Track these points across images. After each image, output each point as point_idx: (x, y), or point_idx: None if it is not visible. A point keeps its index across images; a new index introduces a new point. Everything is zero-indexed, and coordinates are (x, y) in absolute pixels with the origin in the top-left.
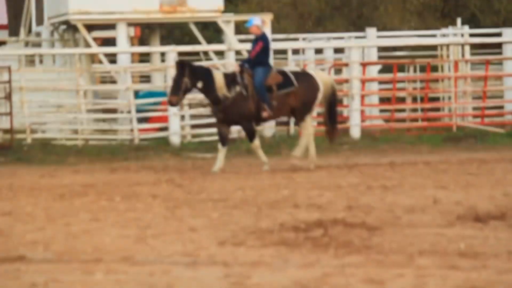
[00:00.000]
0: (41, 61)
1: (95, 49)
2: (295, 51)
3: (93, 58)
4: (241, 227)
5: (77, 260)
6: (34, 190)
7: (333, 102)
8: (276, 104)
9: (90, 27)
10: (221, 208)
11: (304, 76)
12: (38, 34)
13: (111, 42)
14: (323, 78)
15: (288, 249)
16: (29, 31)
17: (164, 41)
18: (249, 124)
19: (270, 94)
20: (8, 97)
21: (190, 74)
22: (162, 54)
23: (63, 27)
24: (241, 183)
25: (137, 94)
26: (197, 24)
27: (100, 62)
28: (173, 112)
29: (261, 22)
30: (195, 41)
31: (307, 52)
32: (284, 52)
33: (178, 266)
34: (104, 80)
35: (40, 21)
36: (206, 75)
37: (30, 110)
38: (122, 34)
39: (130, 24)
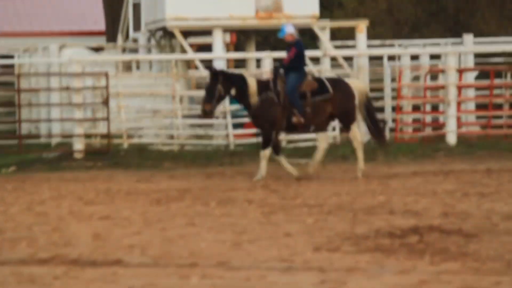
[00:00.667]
0: (138, 67)
1: (191, 55)
2: (391, 58)
3: (189, 64)
4: (336, 233)
5: (173, 265)
6: (131, 195)
7: (370, 109)
8: (311, 111)
9: (187, 33)
10: (316, 213)
11: (339, 84)
12: (135, 40)
13: (207, 48)
14: (357, 86)
15: (383, 255)
16: (127, 37)
17: (260, 47)
18: (269, 130)
19: (304, 101)
20: (106, 102)
21: (223, 82)
22: (258, 60)
23: (160, 33)
24: (336, 188)
25: (232, 100)
26: None
27: (196, 68)
28: None
29: (294, 28)
30: None
31: (402, 59)
32: (379, 58)
33: (273, 272)
34: (200, 86)
35: (137, 27)
36: (239, 81)
37: (127, 115)
38: (218, 40)
39: (226, 30)
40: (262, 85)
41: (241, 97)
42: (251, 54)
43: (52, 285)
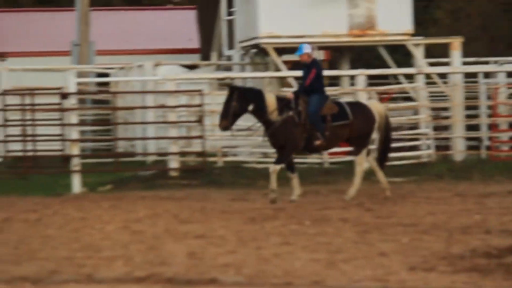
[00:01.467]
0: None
1: (285, 72)
2: (486, 75)
3: (283, 82)
4: (432, 252)
5: (268, 284)
6: (225, 213)
7: (387, 132)
8: (329, 135)
9: (280, 51)
10: (411, 232)
11: (359, 108)
12: (229, 58)
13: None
14: (378, 108)
15: (480, 276)
16: (221, 55)
17: (354, 64)
18: (290, 151)
19: (324, 124)
20: (200, 120)
21: (239, 98)
22: (352, 78)
23: (253, 50)
24: (431, 207)
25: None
26: (386, 47)
27: (290, 85)
28: None
29: (311, 48)
30: (385, 65)
31: (498, 76)
32: (474, 75)
33: None
34: None
35: (231, 45)
36: (257, 97)
37: (221, 133)
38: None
39: (319, 47)
40: (283, 103)
41: (259, 113)
42: (344, 72)
43: None
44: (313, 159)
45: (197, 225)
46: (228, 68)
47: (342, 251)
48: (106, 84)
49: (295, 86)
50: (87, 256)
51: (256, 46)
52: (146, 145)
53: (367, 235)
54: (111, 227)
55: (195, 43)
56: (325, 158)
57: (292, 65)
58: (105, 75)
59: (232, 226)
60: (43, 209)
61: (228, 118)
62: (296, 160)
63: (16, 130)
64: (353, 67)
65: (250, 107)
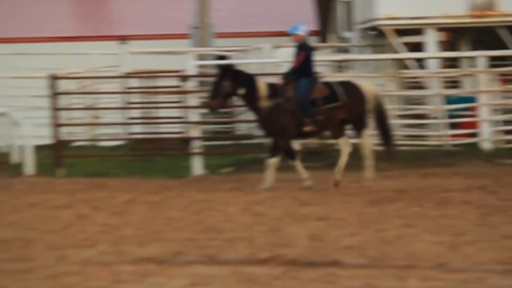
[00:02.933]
0: (350, 67)
1: (404, 54)
2: None
3: (401, 64)
4: None
5: (391, 266)
6: (346, 196)
7: (382, 114)
8: (322, 119)
9: (399, 32)
10: None
11: (350, 88)
12: (346, 40)
13: (419, 47)
14: (369, 88)
15: None
16: (338, 37)
17: (475, 45)
18: (280, 138)
19: (315, 108)
20: None
21: (232, 79)
22: (472, 59)
23: (372, 32)
24: None
25: (448, 100)
26: (507, 28)
27: (409, 67)
28: (484, 117)
29: (306, 31)
30: (505, 46)
31: None
32: None
33: (493, 274)
34: (412, 86)
35: (349, 27)
36: (249, 82)
37: None
38: (431, 39)
39: (438, 29)
40: (272, 89)
41: (249, 98)
42: (463, 53)
43: (272, 285)
44: (434, 141)
45: (318, 207)
46: (345, 50)
47: (465, 234)
48: None
49: (414, 68)
50: (210, 237)
51: (374, 28)
52: None
53: (490, 218)
54: (233, 209)
55: (312, 26)
56: (447, 140)
57: (411, 47)
58: (224, 57)
59: (353, 208)
60: (166, 191)
61: (218, 98)
62: (416, 143)
63: (138, 113)
64: (473, 48)
65: (242, 91)
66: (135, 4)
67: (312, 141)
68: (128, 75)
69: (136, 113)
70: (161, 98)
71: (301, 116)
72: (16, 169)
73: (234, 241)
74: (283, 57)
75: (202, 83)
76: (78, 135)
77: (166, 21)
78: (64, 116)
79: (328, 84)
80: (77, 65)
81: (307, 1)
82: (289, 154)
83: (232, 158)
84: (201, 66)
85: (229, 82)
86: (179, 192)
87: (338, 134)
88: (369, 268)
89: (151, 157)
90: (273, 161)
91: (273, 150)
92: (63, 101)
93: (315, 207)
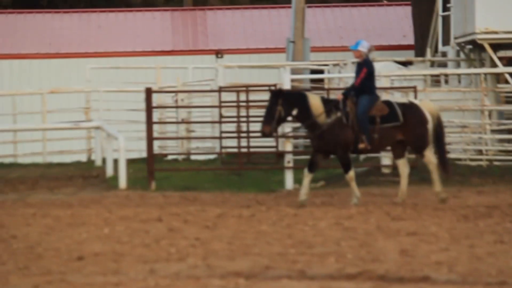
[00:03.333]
0: (446, 81)
1: (501, 68)
2: None
3: (498, 78)
4: None
5: (481, 283)
6: (438, 211)
7: (440, 133)
8: (378, 138)
9: (495, 47)
10: None
11: (410, 109)
12: (444, 54)
13: None
14: (430, 108)
15: None
16: (435, 51)
17: None
18: (345, 153)
19: (372, 126)
20: None
21: (283, 102)
22: None
23: (469, 46)
24: None
25: None
26: None
27: (506, 81)
28: None
29: (368, 48)
30: None
31: None
32: None
33: None
34: (510, 101)
35: (446, 41)
36: (301, 101)
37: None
38: None
39: None
40: (330, 105)
41: (303, 117)
42: None
43: None
44: None
45: (409, 222)
46: (442, 64)
47: None
48: (320, 80)
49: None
50: (300, 252)
51: (471, 42)
52: None
53: None
54: (323, 224)
55: (409, 40)
56: None
57: (508, 61)
58: (320, 71)
59: (444, 224)
60: (257, 205)
61: (271, 124)
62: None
63: (231, 127)
64: None
65: (294, 112)
66: (231, 18)
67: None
68: (221, 89)
69: (229, 127)
70: (254, 112)
71: (358, 132)
72: (110, 183)
73: (323, 256)
74: (379, 71)
75: None
76: (171, 148)
77: (261, 35)
78: (157, 129)
79: (388, 103)
80: (172, 79)
81: (404, 15)
82: (312, 165)
83: (324, 173)
84: (295, 80)
85: (281, 106)
86: (270, 206)
87: (398, 155)
88: (459, 284)
89: (243, 171)
90: (351, 175)
91: (345, 166)
92: (157, 114)
93: (406, 222)
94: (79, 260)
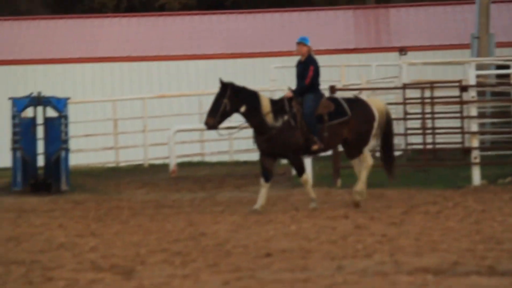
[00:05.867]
0: None
1: None
2: None
3: None
4: None
5: None
6: None
7: (388, 132)
8: (328, 135)
9: None
10: None
11: (358, 104)
12: None
13: None
14: (377, 104)
15: None
16: None
17: None
18: (297, 157)
19: (321, 125)
20: None
21: (231, 96)
22: None
23: None
24: None
25: None
26: None
27: None
28: None
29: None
30: None
31: None
32: None
33: None
34: None
35: None
36: (251, 99)
37: None
38: None
39: None
40: (277, 106)
41: (252, 116)
42: None
43: None
44: None
45: None
46: None
47: None
48: (506, 76)
49: None
50: (488, 248)
51: None
52: None
53: None
54: None
55: None
56: None
57: None
58: (506, 67)
59: None
60: (443, 201)
61: (215, 116)
62: None
63: (417, 124)
64: None
65: (243, 109)
66: (414, 15)
67: None
68: (406, 86)
69: (414, 123)
70: (439, 108)
71: (308, 134)
72: (296, 180)
73: None
74: None
75: (481, 93)
76: None
77: (444, 32)
78: None
79: (333, 99)
80: (356, 76)
81: None
82: (266, 174)
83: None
84: (481, 76)
85: (228, 99)
86: (457, 202)
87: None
88: None
89: (429, 167)
90: (305, 177)
91: (298, 169)
92: None
93: None
94: (267, 257)
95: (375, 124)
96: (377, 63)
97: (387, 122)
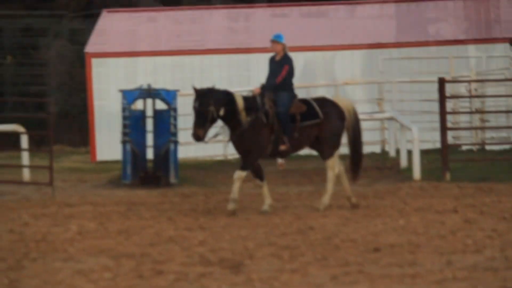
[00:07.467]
0: None
1: None
2: None
3: None
4: None
5: None
6: None
7: (357, 132)
8: (298, 137)
9: None
10: None
11: (327, 105)
12: None
13: None
14: (346, 104)
15: None
16: None
17: None
18: (257, 156)
19: (293, 124)
20: None
21: (215, 102)
22: None
23: None
24: None
25: None
26: None
27: None
28: None
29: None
30: None
31: None
32: None
33: None
34: None
35: None
36: (228, 100)
37: None
38: None
39: None
40: (249, 103)
41: (229, 117)
42: None
43: None
44: None
45: None
46: None
47: None
48: None
49: None
50: None
51: None
52: None
53: None
54: None
55: None
56: None
57: None
58: None
59: None
60: None
61: (205, 126)
62: None
63: None
64: None
65: (221, 112)
66: None
67: None
68: None
69: None
70: None
71: (278, 133)
72: (404, 174)
73: None
74: None
75: None
76: (465, 139)
77: None
78: (451, 120)
79: (304, 101)
80: (465, 68)
81: None
82: (258, 174)
83: None
84: None
85: (213, 106)
86: None
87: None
88: None
89: None
90: (242, 175)
91: (245, 166)
92: (451, 105)
93: None
94: (375, 251)
95: (345, 124)
96: (487, 54)
97: (355, 121)
